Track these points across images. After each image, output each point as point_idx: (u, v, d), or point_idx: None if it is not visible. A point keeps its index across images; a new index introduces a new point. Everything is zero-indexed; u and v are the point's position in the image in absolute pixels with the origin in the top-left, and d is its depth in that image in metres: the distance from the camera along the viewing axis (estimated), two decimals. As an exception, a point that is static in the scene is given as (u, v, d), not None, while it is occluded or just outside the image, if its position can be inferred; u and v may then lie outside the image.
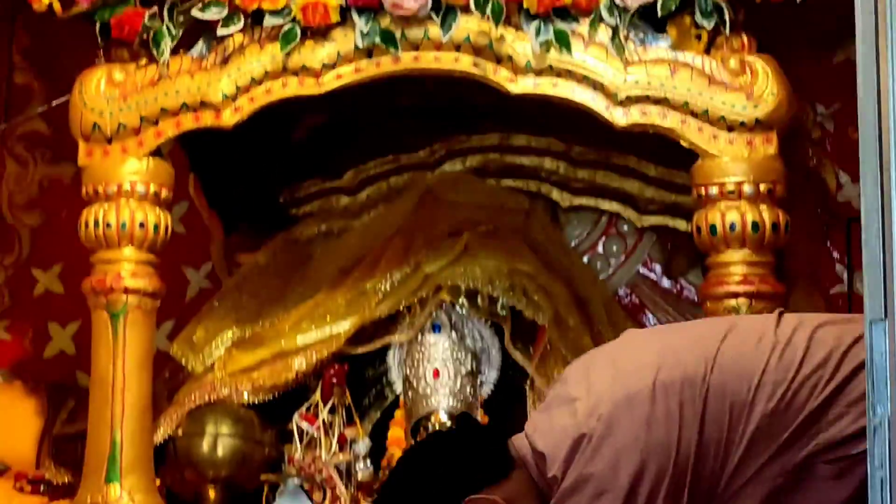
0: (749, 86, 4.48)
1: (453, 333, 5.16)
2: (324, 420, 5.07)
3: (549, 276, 5.23)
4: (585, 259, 5.76)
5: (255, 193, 5.75)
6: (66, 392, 5.63)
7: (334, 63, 4.61)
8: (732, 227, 4.46)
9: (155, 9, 4.68)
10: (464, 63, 4.58)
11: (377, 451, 5.05)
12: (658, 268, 5.84)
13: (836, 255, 5.87)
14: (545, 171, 5.65)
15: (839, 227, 5.83)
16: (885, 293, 2.64)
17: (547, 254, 5.41)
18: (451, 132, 5.62)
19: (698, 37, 4.57)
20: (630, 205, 5.66)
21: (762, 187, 4.48)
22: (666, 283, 5.84)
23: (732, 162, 4.48)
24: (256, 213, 5.78)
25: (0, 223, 6.28)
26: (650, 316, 5.81)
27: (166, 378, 5.28)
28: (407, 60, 4.61)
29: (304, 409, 5.12)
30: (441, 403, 5.04)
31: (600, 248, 5.85)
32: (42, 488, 5.11)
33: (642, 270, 5.86)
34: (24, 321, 6.21)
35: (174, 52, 4.69)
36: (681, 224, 5.49)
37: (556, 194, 5.68)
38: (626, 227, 5.80)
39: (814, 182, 5.60)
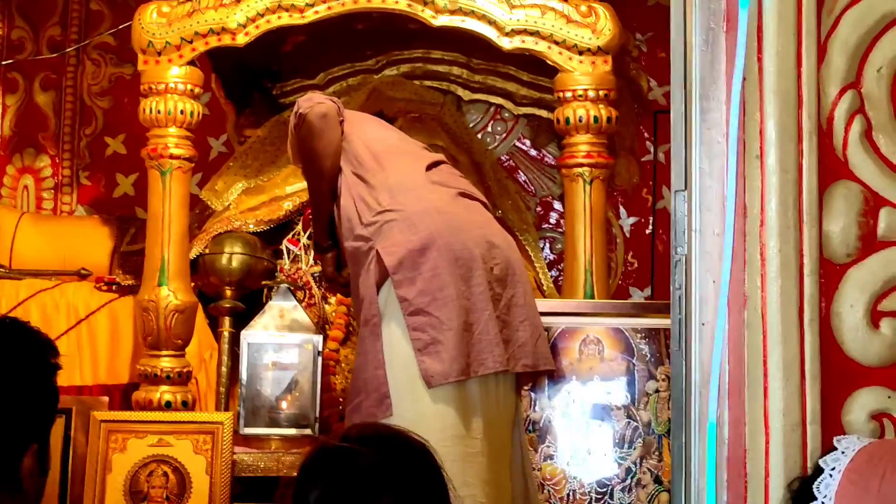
0: (593, 24, 4.46)
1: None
2: (303, 243, 5.07)
3: (456, 147, 5.23)
4: (480, 136, 5.75)
5: (256, 88, 5.68)
6: (129, 222, 5.58)
7: (313, 2, 4.55)
8: (581, 119, 4.46)
9: (192, -39, 4.59)
10: (401, 4, 4.53)
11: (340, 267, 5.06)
12: (528, 142, 5.84)
13: (646, 135, 5.89)
14: (453, 76, 5.61)
15: (649, 117, 5.85)
16: (686, 170, 2.65)
17: (454, 133, 5.39)
18: (390, 48, 5.54)
19: (560, -12, 4.55)
20: (510, 99, 5.63)
21: (601, 93, 4.47)
22: (533, 152, 5.84)
23: (581, 75, 4.47)
24: (257, 101, 5.71)
25: (82, 105, 6.17)
26: (522, 174, 5.82)
27: (196, 213, 5.23)
28: (362, 2, 4.56)
29: (290, 235, 5.12)
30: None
31: (489, 129, 5.83)
32: (114, 287, 5.08)
33: (517, 143, 5.85)
34: (99, 173, 6.14)
35: (204, -8, 4.61)
36: (544, 113, 5.48)
37: (460, 91, 5.64)
38: (507, 115, 5.78)
39: (633, 86, 5.59)
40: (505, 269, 3.54)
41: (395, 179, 3.65)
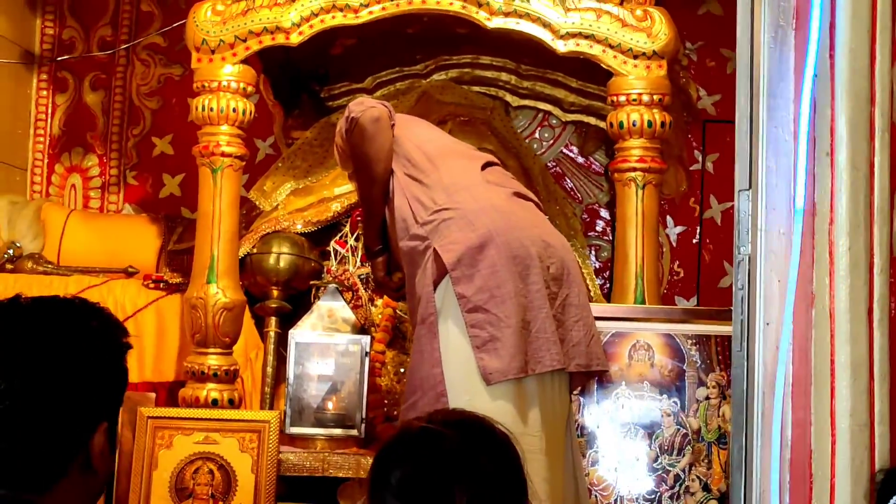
0: (649, 28, 4.44)
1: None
2: (351, 245, 5.06)
3: (505, 152, 5.21)
4: (528, 142, 5.73)
5: (304, 90, 5.69)
6: (177, 221, 5.59)
7: (368, 3, 4.54)
8: (634, 123, 4.43)
9: (247, -40, 4.61)
10: (456, 6, 4.51)
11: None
12: (575, 149, 5.83)
13: (695, 144, 5.87)
14: (501, 81, 5.60)
15: (698, 126, 5.83)
16: (751, 170, 2.63)
17: (503, 137, 5.38)
18: (439, 53, 5.54)
19: (615, -7, 4.54)
20: (558, 106, 5.61)
21: (655, 97, 4.44)
22: (580, 159, 5.83)
23: (636, 79, 4.44)
24: (305, 103, 5.71)
25: (130, 106, 6.19)
26: (569, 181, 5.81)
27: (244, 213, 5.23)
28: (417, 3, 4.54)
29: (338, 237, 5.12)
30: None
31: (537, 135, 5.83)
32: (161, 285, 5.09)
33: (564, 150, 5.84)
34: (147, 172, 6.16)
35: (258, -9, 4.62)
36: (592, 120, 5.47)
37: (509, 97, 5.63)
38: (554, 121, 5.77)
39: (682, 95, 5.57)
40: (560, 268, 3.53)
41: (450, 179, 3.64)
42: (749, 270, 2.63)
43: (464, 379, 3.36)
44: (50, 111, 6.17)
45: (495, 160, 3.92)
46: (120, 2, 6.21)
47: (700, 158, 5.83)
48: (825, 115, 2.43)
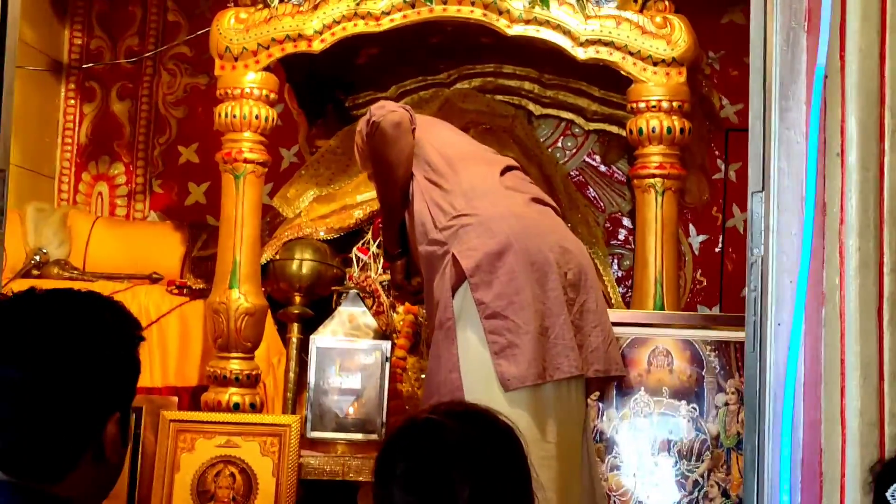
0: (668, 35, 4.46)
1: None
2: (373, 252, 5.09)
3: (527, 160, 5.22)
4: (550, 150, 5.75)
5: (328, 99, 5.73)
6: (201, 229, 5.64)
7: (389, 11, 4.58)
8: (654, 129, 4.45)
9: (269, -31, 4.65)
10: (476, 14, 4.55)
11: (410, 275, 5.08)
12: (597, 158, 5.84)
13: (717, 152, 5.87)
14: (524, 90, 5.62)
15: (720, 134, 5.84)
16: (764, 171, 2.65)
17: (525, 146, 5.40)
18: (462, 62, 5.57)
19: (635, 0, 4.54)
20: (580, 115, 5.63)
21: (674, 104, 4.46)
22: (602, 168, 5.84)
23: (656, 86, 4.46)
24: (329, 112, 5.75)
25: (157, 115, 6.26)
26: (591, 189, 5.82)
27: (267, 221, 5.27)
28: (438, 11, 4.58)
29: (360, 243, 5.14)
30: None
31: (560, 144, 5.84)
32: (185, 291, 5.13)
33: (587, 159, 5.85)
34: (172, 181, 6.21)
35: (281, 0, 4.66)
36: (614, 129, 5.48)
37: (531, 106, 5.65)
38: (577, 130, 5.78)
39: (705, 103, 5.58)
40: (578, 274, 3.53)
41: (469, 184, 3.65)
42: (762, 272, 2.65)
43: (481, 384, 3.36)
44: (77, 120, 6.24)
45: (514, 163, 3.92)
46: (147, 12, 6.27)
47: (722, 167, 5.84)
48: (835, 115, 2.44)
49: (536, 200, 3.73)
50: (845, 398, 2.38)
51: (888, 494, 2.00)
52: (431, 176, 3.71)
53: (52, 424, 1.79)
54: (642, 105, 4.46)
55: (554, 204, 3.84)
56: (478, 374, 3.38)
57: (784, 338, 2.52)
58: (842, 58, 2.44)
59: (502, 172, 3.76)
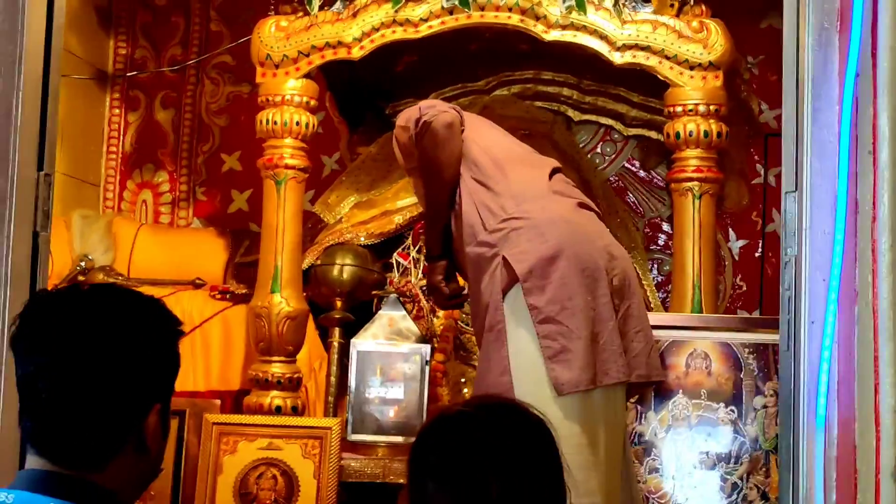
0: (705, 39, 4.47)
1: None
2: (413, 257, 5.13)
3: (565, 164, 5.23)
4: (589, 156, 5.77)
5: (369, 107, 5.77)
6: (243, 235, 5.70)
7: (427, 18, 4.61)
8: (691, 133, 4.47)
9: (310, -22, 4.71)
10: (514, 19, 4.58)
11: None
12: (637, 163, 5.85)
13: (756, 157, 5.86)
14: (563, 96, 5.64)
15: (760, 139, 5.83)
16: (797, 171, 2.66)
17: (564, 151, 5.41)
18: (501, 69, 5.60)
19: (672, 5, 4.56)
20: (620, 121, 5.64)
21: (711, 108, 4.48)
22: (642, 173, 5.85)
23: (692, 90, 4.48)
24: (370, 120, 5.80)
25: (200, 123, 6.32)
26: (631, 195, 5.84)
27: (309, 227, 5.32)
28: (475, 17, 4.61)
29: (400, 249, 5.18)
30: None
31: (599, 149, 5.86)
32: (227, 296, 5.19)
33: (626, 165, 5.86)
34: (215, 188, 6.27)
35: (321, 8, 4.71)
36: (653, 134, 5.49)
37: (570, 112, 5.67)
38: (616, 136, 5.79)
39: (744, 108, 5.58)
40: (622, 280, 3.55)
41: (519, 187, 3.64)
42: (795, 271, 2.66)
43: (533, 388, 3.36)
44: (122, 129, 6.31)
45: (558, 165, 3.90)
46: (190, 22, 6.35)
47: (762, 172, 5.83)
48: (867, 113, 2.45)
49: (582, 205, 3.72)
50: (879, 395, 2.39)
51: None
52: (479, 177, 3.70)
53: (97, 414, 1.83)
54: (679, 109, 4.48)
55: (597, 209, 3.85)
56: (530, 377, 3.39)
57: (818, 336, 2.53)
58: (873, 56, 2.45)
59: (550, 176, 3.76)
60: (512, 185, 3.64)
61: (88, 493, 1.83)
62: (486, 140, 3.80)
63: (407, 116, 3.85)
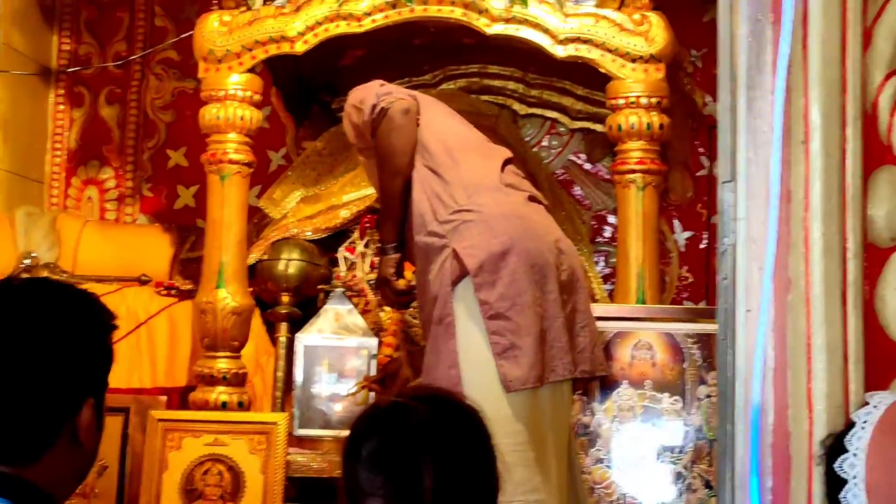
0: (646, 32, 4.50)
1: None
2: (360, 251, 5.12)
3: (511, 159, 5.26)
4: (535, 149, 5.79)
5: (315, 102, 5.76)
6: (189, 231, 5.68)
7: (371, 12, 4.62)
8: (633, 126, 4.49)
9: (251, -27, 4.70)
10: (456, 13, 4.59)
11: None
12: (583, 156, 5.87)
13: (701, 150, 5.90)
14: (509, 90, 5.65)
15: (704, 132, 5.86)
16: (733, 161, 2.68)
17: (510, 145, 5.34)
18: (447, 63, 5.60)
19: (613, -1, 4.60)
20: (565, 114, 5.66)
21: (653, 100, 4.51)
22: (588, 166, 5.87)
23: (634, 83, 4.51)
24: (316, 114, 5.78)
25: (145, 119, 6.28)
26: (577, 188, 5.86)
27: (255, 223, 5.31)
28: (418, 11, 4.62)
29: (347, 243, 5.18)
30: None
31: (545, 143, 5.88)
32: (173, 292, 5.17)
33: (572, 157, 5.89)
34: (161, 184, 6.23)
35: (264, 2, 4.71)
36: (599, 127, 5.50)
37: (516, 105, 5.68)
38: (562, 129, 5.81)
39: (687, 101, 5.62)
40: (570, 275, 3.56)
41: (470, 178, 3.62)
42: (732, 260, 2.68)
43: (481, 383, 3.36)
44: (67, 125, 6.26)
45: (510, 154, 3.86)
46: (134, 17, 6.30)
47: (706, 164, 5.87)
48: (799, 104, 2.47)
49: (532, 199, 3.71)
50: (811, 382, 2.41)
51: (836, 466, 2.03)
52: (431, 164, 3.67)
53: (26, 407, 1.83)
54: (621, 102, 4.50)
55: (545, 202, 3.84)
56: (478, 372, 3.39)
57: (753, 325, 2.55)
58: (804, 47, 2.47)
59: (502, 167, 3.73)
60: (464, 174, 3.62)
61: (20, 489, 1.82)
62: (440, 126, 3.77)
63: (361, 97, 3.80)
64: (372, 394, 4.43)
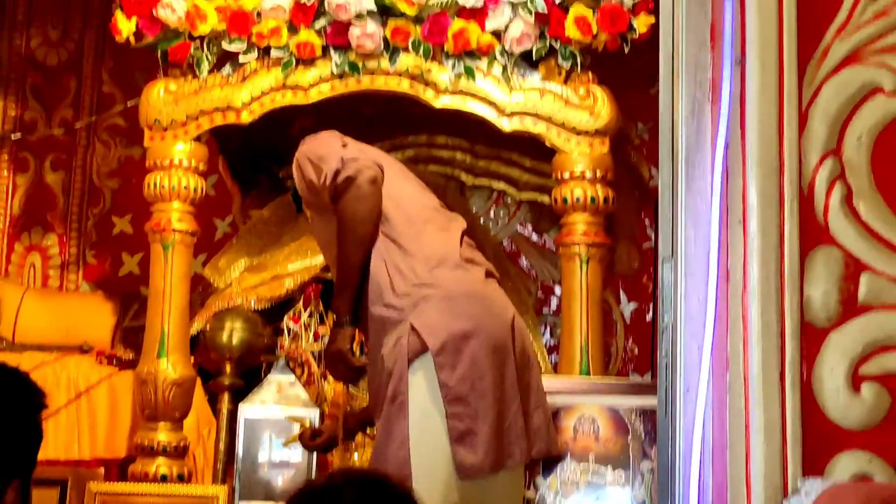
0: (591, 106, 4.53)
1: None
2: (304, 322, 5.10)
3: (458, 230, 5.26)
4: (482, 220, 5.79)
5: (262, 170, 5.73)
6: (132, 299, 5.65)
7: (317, 82, 4.63)
8: (578, 199, 4.51)
9: (198, 42, 4.68)
10: (404, 85, 4.61)
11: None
12: (530, 227, 5.88)
13: (647, 222, 5.93)
14: (457, 161, 5.66)
15: (650, 205, 5.89)
16: (673, 239, 2.70)
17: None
18: (395, 133, 5.61)
19: (560, 73, 4.61)
20: (512, 185, 5.67)
21: (598, 173, 4.53)
22: (535, 237, 5.88)
23: (579, 156, 4.53)
24: (263, 183, 5.75)
25: (91, 186, 6.26)
26: (524, 259, 5.86)
27: (199, 291, 5.28)
28: (366, 82, 4.63)
29: (291, 313, 5.14)
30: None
31: (492, 214, 5.89)
32: (114, 361, 5.12)
33: (519, 229, 5.88)
34: (106, 251, 6.19)
35: (210, 71, 4.70)
36: (545, 198, 5.52)
37: (464, 176, 5.68)
38: (509, 200, 5.81)
39: (634, 173, 5.65)
40: (524, 352, 3.50)
41: (432, 251, 3.53)
42: (672, 338, 2.69)
43: (433, 466, 3.30)
44: (10, 191, 6.22)
45: (465, 224, 3.77)
46: (81, 83, 6.29)
47: (652, 236, 5.89)
48: (737, 184, 2.50)
49: (489, 274, 3.64)
50: (750, 462, 2.41)
51: None
52: (391, 233, 3.56)
53: None
54: (567, 175, 4.52)
55: (497, 274, 3.77)
56: (432, 455, 3.31)
57: (692, 403, 2.55)
58: (742, 127, 2.50)
59: (461, 240, 3.64)
60: (424, 246, 3.53)
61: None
62: (399, 192, 3.65)
63: (320, 154, 3.66)
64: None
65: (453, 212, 5.12)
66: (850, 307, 2.43)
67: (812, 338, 2.44)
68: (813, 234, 2.45)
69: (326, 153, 3.64)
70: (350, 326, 3.60)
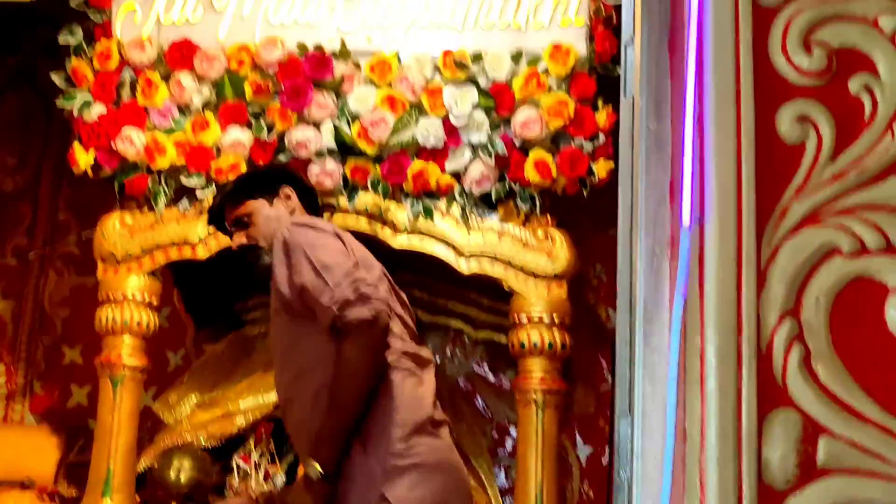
0: (550, 249, 4.54)
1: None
2: (255, 461, 5.01)
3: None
4: (438, 359, 5.74)
5: (217, 304, 5.70)
6: (79, 433, 5.54)
7: (278, 219, 4.61)
8: (535, 344, 4.49)
9: (156, 175, 4.66)
10: (362, 224, 4.61)
11: (290, 482, 4.98)
12: (486, 366, 5.84)
13: (604, 364, 5.90)
14: (415, 298, 5.63)
15: (608, 347, 5.87)
16: (630, 395, 2.67)
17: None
18: (352, 269, 5.58)
19: (518, 215, 4.62)
20: (469, 323, 5.65)
21: (555, 318, 4.52)
22: (491, 377, 5.83)
23: (537, 300, 4.52)
24: (218, 317, 5.72)
25: (42, 314, 6.18)
26: (479, 399, 5.80)
27: (149, 426, 5.19)
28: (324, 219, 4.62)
29: (241, 451, 5.06)
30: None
31: (448, 352, 5.85)
32: (56, 499, 5.00)
33: (475, 368, 5.85)
34: (54, 382, 6.09)
35: (167, 205, 4.67)
36: (502, 338, 5.49)
37: (421, 314, 5.65)
38: (466, 339, 5.79)
39: (591, 315, 5.65)
40: None
41: (409, 415, 3.24)
42: (628, 495, 2.64)
43: None
44: (-42, 319, 6.14)
45: (433, 366, 3.45)
46: (37, 210, 6.25)
47: (609, 379, 5.86)
48: (695, 342, 2.47)
49: (450, 429, 3.42)
50: None
51: None
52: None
53: None
54: (524, 318, 4.51)
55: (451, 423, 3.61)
56: None
57: (648, 565, 2.50)
58: (700, 286, 2.48)
59: (433, 401, 3.36)
60: (401, 408, 3.24)
61: None
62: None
63: (325, 262, 3.19)
64: None
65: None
66: (808, 470, 2.39)
67: (770, 501, 2.39)
68: (771, 395, 2.42)
69: (332, 263, 3.19)
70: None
